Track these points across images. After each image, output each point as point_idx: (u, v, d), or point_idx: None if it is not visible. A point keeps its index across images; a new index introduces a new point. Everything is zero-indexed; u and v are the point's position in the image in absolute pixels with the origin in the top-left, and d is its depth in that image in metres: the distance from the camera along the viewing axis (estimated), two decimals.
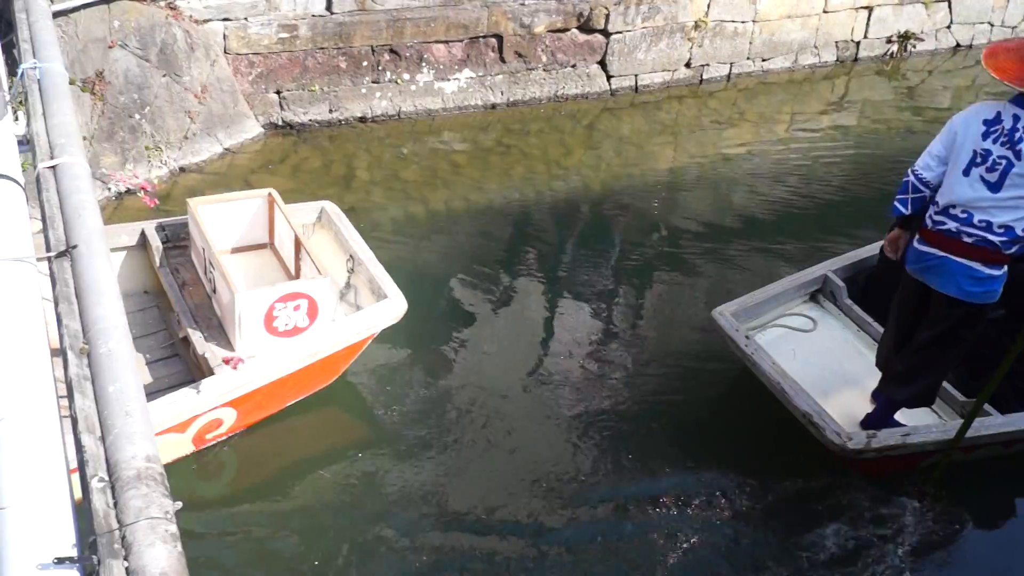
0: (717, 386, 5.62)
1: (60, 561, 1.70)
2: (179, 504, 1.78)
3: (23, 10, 5.09)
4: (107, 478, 1.83)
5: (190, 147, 7.00)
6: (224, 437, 4.73)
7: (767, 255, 6.99)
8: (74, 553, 1.74)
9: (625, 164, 8.17)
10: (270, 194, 5.25)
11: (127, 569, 1.66)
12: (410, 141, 7.90)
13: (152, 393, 4.62)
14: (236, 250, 5.33)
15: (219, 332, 4.70)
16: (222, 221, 5.11)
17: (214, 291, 4.81)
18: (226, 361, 4.48)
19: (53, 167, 3.24)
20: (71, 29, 6.35)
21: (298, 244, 4.97)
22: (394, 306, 4.93)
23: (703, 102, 9.40)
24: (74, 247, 2.73)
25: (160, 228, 5.24)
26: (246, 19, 7.25)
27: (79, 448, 1.94)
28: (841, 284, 5.70)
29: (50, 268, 2.72)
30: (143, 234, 5.24)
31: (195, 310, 4.85)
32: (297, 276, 5.04)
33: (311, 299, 4.60)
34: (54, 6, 5.81)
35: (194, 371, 4.83)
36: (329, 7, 7.54)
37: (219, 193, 6.58)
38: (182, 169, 6.96)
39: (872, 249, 5.85)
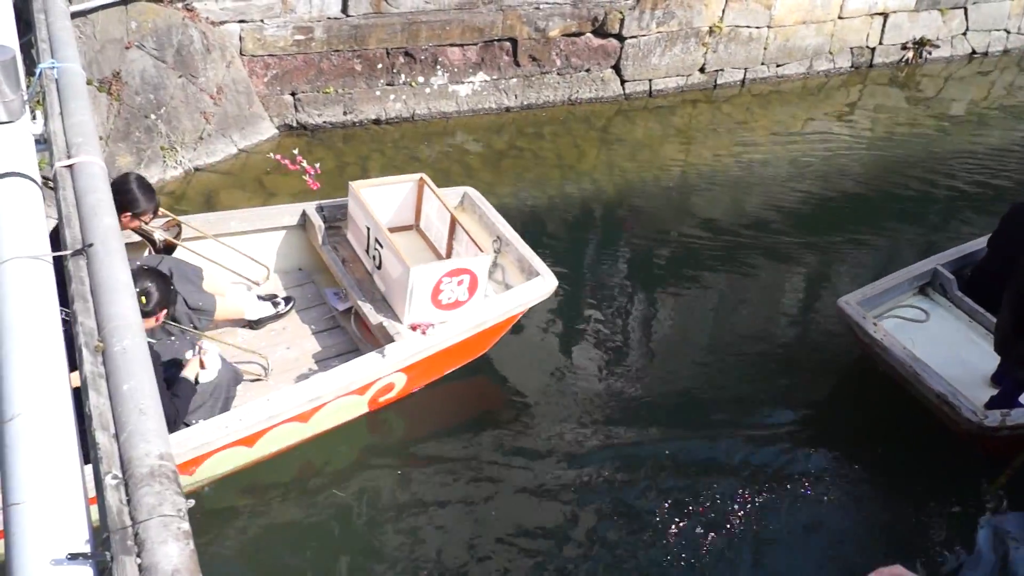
0: (827, 375, 6.14)
1: (73, 557, 1.71)
2: (191, 502, 1.79)
3: (42, 10, 5.14)
4: (121, 475, 1.85)
5: (205, 148, 7.04)
6: (393, 401, 5.13)
7: (800, 252, 7.33)
8: (87, 549, 1.75)
9: (639, 167, 8.17)
10: (421, 178, 5.59)
11: (139, 566, 1.67)
12: (423, 144, 7.91)
13: (321, 361, 5.21)
14: (389, 230, 5.59)
15: (383, 305, 5.10)
16: (376, 203, 5.38)
17: (378, 267, 5.19)
18: (414, 327, 4.91)
19: (70, 166, 3.26)
20: (89, 30, 6.39)
21: (453, 224, 5.33)
22: (546, 283, 5.30)
23: (717, 107, 9.38)
24: (90, 245, 2.75)
25: (319, 209, 5.60)
26: (262, 21, 7.28)
27: (93, 445, 1.96)
28: (951, 276, 6.06)
29: (66, 266, 2.74)
30: (304, 214, 5.58)
31: (358, 284, 5.23)
32: (448, 255, 5.40)
33: (473, 274, 4.97)
34: (72, 7, 5.84)
35: (356, 341, 5.29)
36: (344, 9, 7.56)
37: (232, 193, 6.64)
38: (197, 169, 7.00)
39: (979, 243, 6.23)
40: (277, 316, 5.36)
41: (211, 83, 7.05)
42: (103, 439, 1.97)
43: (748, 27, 9.44)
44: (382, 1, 7.65)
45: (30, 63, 4.85)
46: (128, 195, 4.66)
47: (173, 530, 1.74)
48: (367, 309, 5.06)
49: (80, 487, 1.88)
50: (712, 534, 4.83)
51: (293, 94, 7.69)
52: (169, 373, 4.42)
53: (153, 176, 6.71)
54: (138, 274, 4.06)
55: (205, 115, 7.04)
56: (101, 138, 6.40)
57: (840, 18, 10.01)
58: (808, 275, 7.12)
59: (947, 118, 9.85)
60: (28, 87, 4.06)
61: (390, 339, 4.87)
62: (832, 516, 5.09)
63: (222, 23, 7.16)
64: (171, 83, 6.82)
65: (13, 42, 4.56)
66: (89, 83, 6.22)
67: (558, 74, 8.69)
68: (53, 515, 1.79)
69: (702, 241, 7.25)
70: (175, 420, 4.20)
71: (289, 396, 4.50)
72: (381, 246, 5.11)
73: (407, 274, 4.80)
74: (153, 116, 6.73)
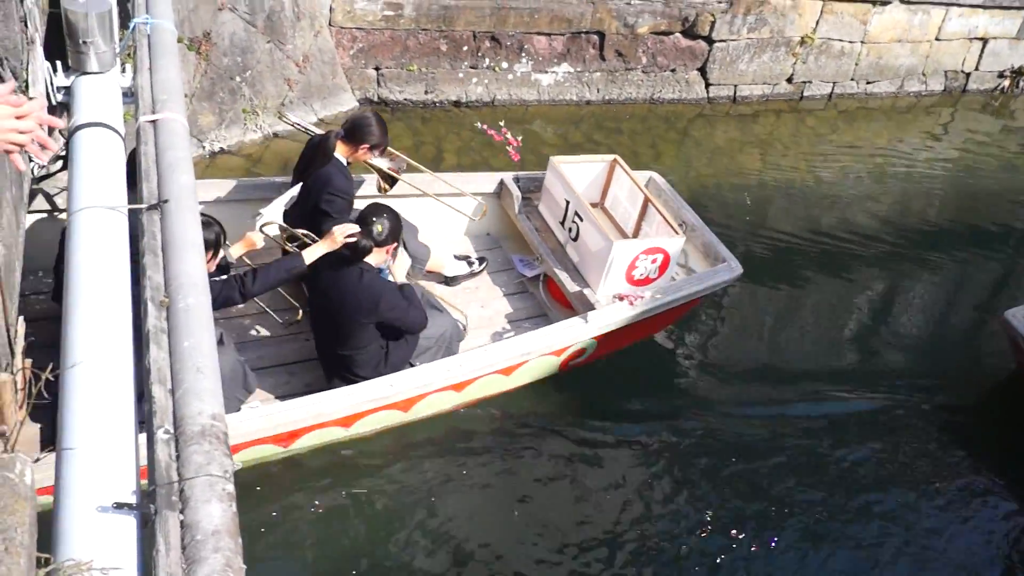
0: (978, 387, 6.27)
1: (119, 507, 1.74)
2: (239, 464, 1.80)
3: None
4: (172, 431, 1.87)
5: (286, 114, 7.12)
6: (580, 365, 5.29)
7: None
8: (133, 500, 1.78)
9: (715, 172, 8.05)
10: (615, 159, 5.78)
11: (182, 523, 1.69)
12: (502, 129, 7.90)
13: (513, 322, 5.47)
14: None
15: (576, 275, 5.33)
16: (572, 179, 5.58)
17: (574, 239, 5.41)
18: (621, 297, 5.11)
19: (154, 121, 3.32)
20: None
21: (645, 205, 5.53)
22: (732, 269, 5.47)
23: (801, 119, 9.19)
24: (165, 201, 2.79)
25: (516, 180, 5.84)
26: None
27: (149, 398, 1.99)
28: None
29: (140, 220, 2.78)
30: (501, 183, 5.84)
31: (552, 254, 5.47)
32: (635, 235, 5.60)
33: (666, 254, 5.18)
34: None
35: (544, 306, 5.56)
36: None
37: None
38: (275, 135, 7.08)
39: None
40: (471, 275, 5.62)
41: (298, 51, 7.12)
42: (159, 393, 2.00)
43: (841, 40, 9.22)
44: None
45: (125, 16, 4.94)
46: (367, 128, 4.93)
47: (218, 491, 1.75)
48: (563, 277, 5.33)
49: (132, 439, 1.90)
50: (859, 542, 4.94)
51: (377, 68, 7.73)
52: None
53: (233, 138, 6.81)
54: (375, 208, 4.51)
55: (289, 82, 7.12)
56: (186, 96, 6.51)
57: (937, 39, 9.72)
58: (927, 288, 7.26)
59: None
60: (121, 40, 4.15)
61: (590, 307, 5.09)
62: (973, 534, 5.16)
63: None
64: (259, 47, 6.90)
65: None
66: (179, 41, 6.32)
67: (643, 72, 8.60)
68: (103, 463, 1.81)
69: (822, 245, 7.34)
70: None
71: (502, 349, 4.81)
72: (580, 219, 5.33)
73: (609, 248, 5.03)
74: (238, 78, 6.83)
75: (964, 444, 5.72)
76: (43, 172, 4.47)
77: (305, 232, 4.63)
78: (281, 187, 5.21)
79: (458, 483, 4.78)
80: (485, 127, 6.56)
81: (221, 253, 4.28)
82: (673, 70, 8.70)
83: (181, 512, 1.72)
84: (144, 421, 1.96)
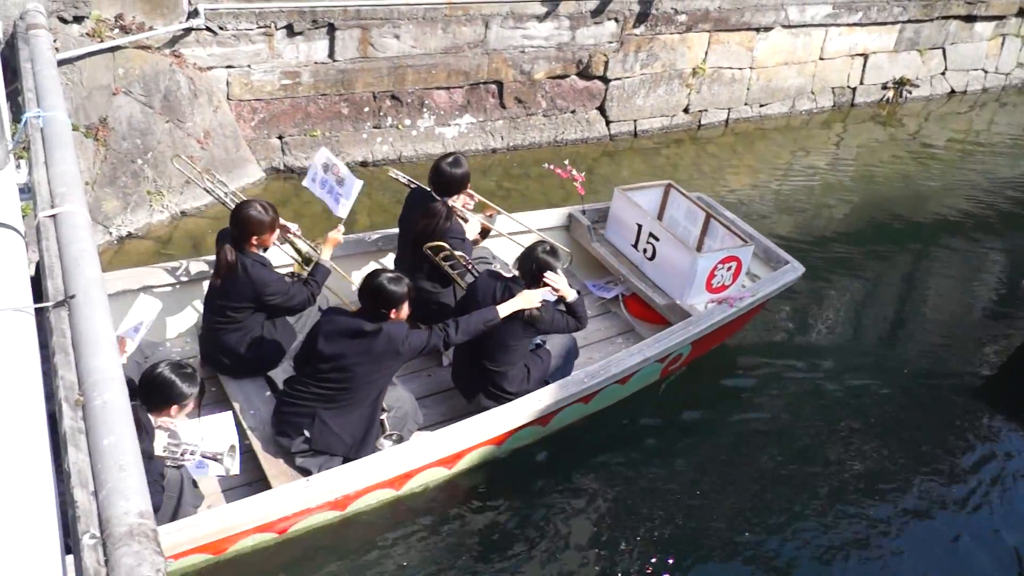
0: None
1: None
2: (170, 562, 1.76)
3: (28, 59, 5.16)
4: (99, 534, 1.82)
5: (191, 192, 7.04)
6: (673, 372, 5.74)
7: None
8: None
9: None
10: (670, 183, 6.37)
11: None
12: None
13: (605, 339, 5.93)
14: None
15: (657, 290, 5.88)
16: (642, 203, 6.14)
17: (650, 258, 5.96)
18: (719, 301, 5.63)
19: (54, 216, 3.26)
20: (76, 76, 6.41)
21: (707, 220, 6.07)
22: (796, 268, 6.01)
23: (701, 147, 9.46)
24: (72, 297, 2.74)
25: (582, 212, 6.48)
26: (249, 66, 7.33)
27: (71, 503, 1.94)
28: None
29: (47, 318, 2.72)
30: (569, 216, 6.49)
31: (630, 275, 6.04)
32: (699, 248, 6.05)
33: (739, 261, 5.75)
34: (59, 54, 5.88)
35: (629, 322, 6.05)
36: (331, 54, 7.62)
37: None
38: (183, 213, 6.99)
39: None
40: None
41: (198, 128, 7.07)
42: (82, 497, 1.95)
43: (731, 68, 9.56)
44: (368, 45, 7.71)
45: (16, 111, 4.86)
46: (455, 176, 5.26)
47: None
48: (651, 293, 5.87)
49: (58, 550, 1.85)
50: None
51: (280, 137, 7.72)
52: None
53: (139, 221, 6.70)
54: (542, 249, 4.87)
55: (192, 159, 7.06)
56: (87, 183, 6.40)
57: (821, 59, 10.16)
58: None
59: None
60: (13, 135, 4.08)
61: (685, 314, 5.56)
62: None
63: (209, 68, 7.20)
64: (158, 128, 6.83)
65: (0, 92, 4.57)
66: (76, 129, 6.23)
67: (544, 116, 8.76)
68: None
69: None
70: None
71: (625, 359, 5.14)
72: (656, 239, 5.89)
73: (694, 260, 5.58)
74: (140, 161, 6.74)
75: None
76: None
77: (464, 257, 5.25)
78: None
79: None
80: (551, 166, 6.82)
81: (406, 311, 4.45)
82: (573, 111, 8.88)
83: None
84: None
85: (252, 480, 4.49)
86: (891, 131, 10.45)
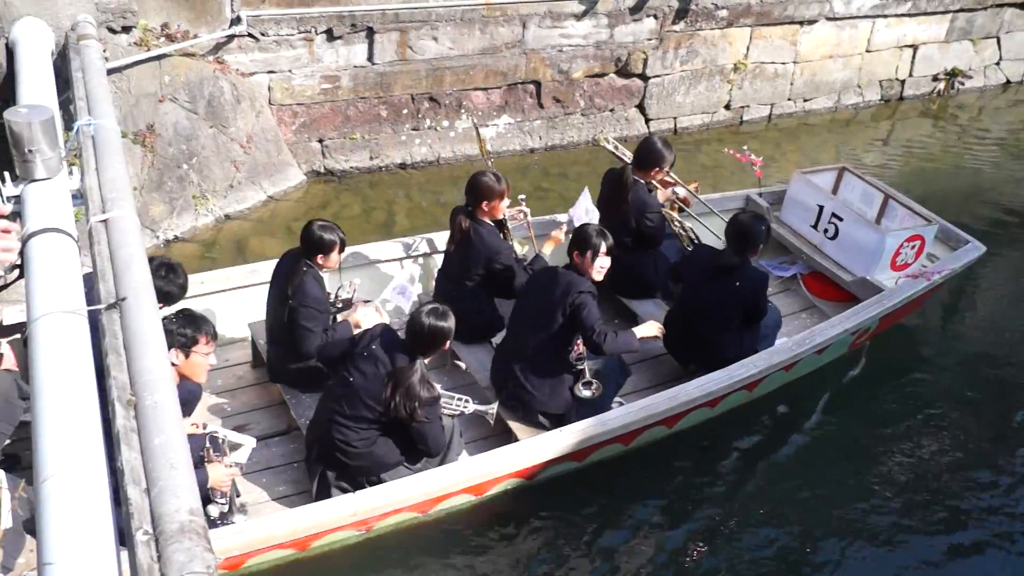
0: None
1: None
2: (221, 558, 1.80)
3: (79, 69, 5.28)
4: (151, 531, 1.87)
5: (235, 195, 7.15)
6: (862, 345, 5.93)
7: None
8: None
9: None
10: (844, 167, 6.57)
11: None
12: (449, 187, 7.96)
13: (788, 315, 5.90)
14: None
15: (840, 268, 6.08)
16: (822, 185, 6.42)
17: (832, 237, 6.16)
18: (915, 275, 5.79)
19: (105, 220, 3.33)
20: (124, 84, 6.54)
21: (886, 201, 6.19)
22: (977, 247, 6.10)
23: (743, 143, 9.37)
24: (123, 299, 2.80)
25: (759, 194, 6.72)
26: (290, 71, 7.42)
27: (125, 500, 1.98)
28: None
29: (100, 320, 2.79)
30: (747, 199, 6.70)
31: (812, 252, 6.26)
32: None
33: (923, 240, 5.93)
34: (108, 64, 6.00)
35: (810, 299, 6.23)
36: (370, 58, 7.69)
37: (262, 239, 6.73)
38: (227, 216, 7.10)
39: None
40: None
41: (241, 132, 7.18)
42: (134, 494, 2.00)
43: (773, 63, 9.47)
44: (407, 48, 7.77)
45: (68, 119, 4.97)
46: (654, 153, 5.69)
47: None
48: (836, 271, 6.08)
49: (112, 546, 1.90)
50: None
51: (320, 141, 7.80)
52: None
53: (185, 224, 6.82)
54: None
55: (235, 164, 7.16)
56: (135, 189, 6.52)
57: (868, 51, 10.01)
58: None
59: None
60: (66, 143, 4.17)
61: (876, 290, 5.71)
62: None
63: (251, 74, 7.30)
64: (202, 133, 6.95)
65: (52, 101, 4.70)
66: (124, 136, 6.35)
67: (582, 115, 8.75)
68: (85, 574, 1.80)
69: None
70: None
71: (827, 330, 5.36)
72: (840, 219, 6.09)
73: (882, 239, 5.78)
74: (185, 166, 6.86)
75: None
76: (1, 282, 4.45)
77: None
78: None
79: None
80: (731, 151, 7.09)
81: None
82: (612, 110, 8.87)
83: None
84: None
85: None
86: (942, 124, 10.27)
